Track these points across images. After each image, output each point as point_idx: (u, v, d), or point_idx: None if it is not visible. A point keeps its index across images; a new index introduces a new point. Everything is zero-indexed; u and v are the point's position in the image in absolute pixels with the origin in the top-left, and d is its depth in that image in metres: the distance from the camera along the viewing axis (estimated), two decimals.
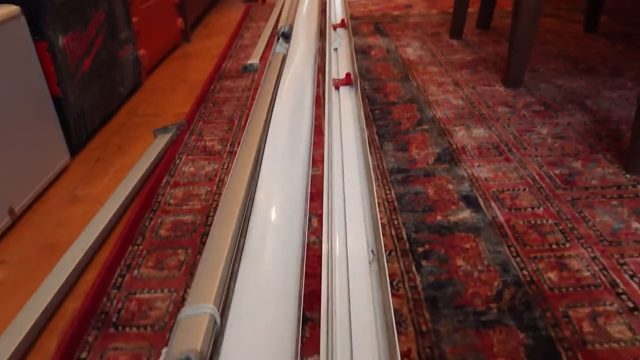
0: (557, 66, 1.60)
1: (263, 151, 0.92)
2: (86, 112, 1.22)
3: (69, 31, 1.14)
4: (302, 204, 0.83)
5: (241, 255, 0.67)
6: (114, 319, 0.72)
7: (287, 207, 0.80)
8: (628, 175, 1.00)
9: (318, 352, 0.64)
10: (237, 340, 0.55)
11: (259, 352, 0.55)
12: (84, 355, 0.67)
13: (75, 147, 1.18)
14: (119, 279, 0.79)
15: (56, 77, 1.10)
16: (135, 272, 0.81)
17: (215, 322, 0.56)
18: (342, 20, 2.03)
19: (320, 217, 0.91)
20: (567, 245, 0.82)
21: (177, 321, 0.56)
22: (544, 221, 0.88)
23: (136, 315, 0.73)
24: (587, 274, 0.76)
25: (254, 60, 1.74)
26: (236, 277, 0.63)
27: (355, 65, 1.49)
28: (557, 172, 1.02)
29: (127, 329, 0.70)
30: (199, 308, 0.56)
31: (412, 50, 1.84)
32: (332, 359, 0.62)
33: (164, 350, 0.55)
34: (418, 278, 0.77)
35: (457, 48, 1.84)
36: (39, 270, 0.83)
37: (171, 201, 0.99)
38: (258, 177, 0.85)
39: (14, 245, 0.90)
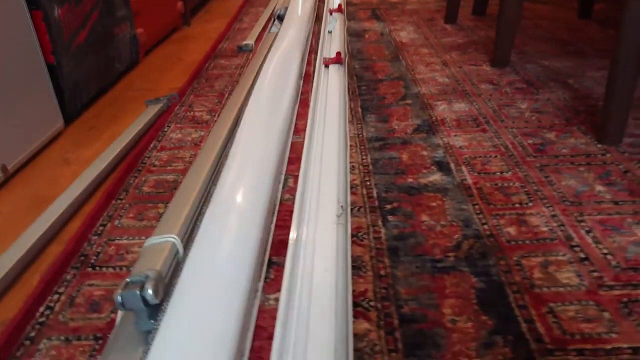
0: (546, 48, 1.63)
1: (243, 113, 0.97)
2: (81, 82, 1.27)
3: (65, 3, 1.19)
4: (275, 161, 0.86)
5: (210, 199, 0.72)
6: (92, 261, 0.77)
7: (260, 162, 0.84)
8: (599, 145, 1.03)
9: (280, 290, 0.68)
10: (196, 269, 0.59)
11: (215, 280, 0.59)
12: (61, 290, 0.71)
13: (70, 115, 1.23)
14: (101, 228, 0.84)
15: (51, 46, 1.15)
16: (117, 222, 0.85)
17: (177, 250, 0.61)
18: (339, 5, 2.06)
19: (296, 178, 0.94)
20: (530, 204, 0.86)
21: (142, 249, 0.60)
22: (511, 184, 0.92)
23: (113, 257, 0.77)
24: (545, 229, 0.80)
25: (250, 41, 1.78)
26: (202, 217, 0.68)
27: (346, 45, 1.53)
28: (530, 141, 1.06)
29: (104, 269, 0.75)
30: (163, 237, 0.61)
31: (405, 34, 1.87)
32: (292, 295, 0.66)
33: None
34: (383, 231, 0.81)
35: (450, 32, 1.87)
36: (28, 220, 0.87)
37: (156, 162, 1.03)
38: (235, 134, 0.89)
39: (6, 199, 0.95)
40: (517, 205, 0.86)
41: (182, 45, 1.89)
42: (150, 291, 0.52)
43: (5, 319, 0.67)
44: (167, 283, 0.56)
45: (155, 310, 0.54)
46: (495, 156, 1.01)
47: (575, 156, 0.99)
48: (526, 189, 0.90)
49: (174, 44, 1.91)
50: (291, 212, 0.84)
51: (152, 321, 0.53)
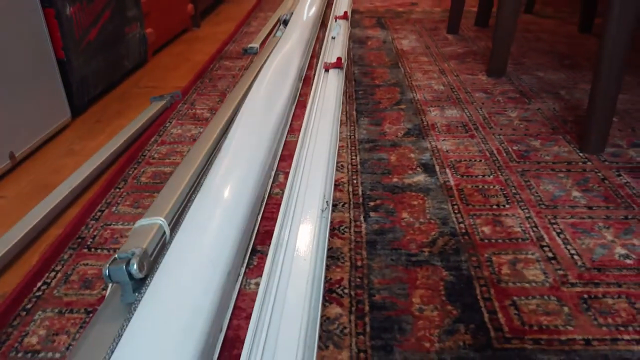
0: (543, 61, 1.66)
1: (239, 111, 1.01)
2: (89, 78, 1.33)
3: (76, 2, 1.25)
4: (265, 157, 0.91)
5: (200, 188, 0.76)
6: (88, 243, 0.82)
7: (250, 157, 0.88)
8: (581, 154, 1.07)
9: (261, 275, 0.72)
10: (180, 249, 0.64)
11: (197, 260, 0.63)
12: (58, 268, 0.76)
13: (77, 108, 1.29)
14: (99, 213, 0.89)
15: (62, 42, 1.21)
16: (114, 208, 0.90)
17: (164, 232, 0.65)
18: (345, 13, 2.12)
19: (287, 174, 0.99)
20: (507, 206, 0.90)
21: (132, 229, 0.65)
22: (491, 186, 0.95)
23: (108, 240, 0.82)
24: (518, 229, 0.83)
25: (255, 44, 1.84)
26: (191, 204, 0.72)
27: (346, 51, 1.58)
28: (515, 148, 1.10)
29: (99, 251, 0.80)
30: (151, 219, 0.65)
31: (407, 42, 1.91)
32: (272, 280, 0.70)
33: None
34: (364, 225, 0.85)
35: (451, 42, 1.91)
36: (31, 204, 0.93)
37: (155, 155, 1.08)
38: (229, 130, 0.94)
39: (12, 184, 1.01)
40: (494, 206, 0.90)
41: (190, 46, 1.95)
42: (135, 266, 0.57)
43: (5, 292, 0.72)
44: (152, 260, 0.61)
45: (139, 285, 0.58)
46: (480, 160, 1.05)
47: (556, 163, 1.03)
48: (505, 192, 0.94)
49: (183, 45, 1.97)
50: (279, 205, 0.88)
51: (136, 294, 0.58)
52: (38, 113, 1.13)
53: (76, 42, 1.26)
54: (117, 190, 0.96)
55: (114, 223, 0.86)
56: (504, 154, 1.07)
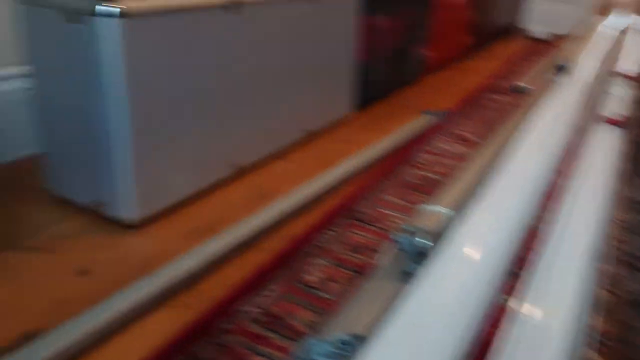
0: None
1: (510, 142, 1.04)
2: (375, 83, 1.49)
3: (389, 16, 1.41)
4: (532, 191, 0.91)
5: (476, 197, 0.81)
6: (357, 216, 0.92)
7: (518, 190, 0.90)
8: None
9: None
10: (458, 243, 0.69)
11: (471, 263, 0.67)
12: (334, 229, 0.88)
13: (358, 106, 1.45)
14: (370, 196, 1.00)
15: (366, 46, 1.37)
16: (384, 196, 1.00)
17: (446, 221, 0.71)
18: (637, 74, 1.96)
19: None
20: None
21: (418, 210, 0.72)
22: None
23: (376, 220, 0.92)
24: None
25: (524, 84, 1.83)
26: (466, 211, 0.77)
27: (631, 111, 1.47)
28: None
29: (367, 225, 0.90)
30: (435, 207, 0.72)
31: None
32: (530, 306, 0.70)
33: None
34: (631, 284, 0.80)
35: None
36: (312, 172, 1.08)
37: (422, 162, 1.17)
38: (499, 158, 0.97)
39: (300, 155, 1.19)
40: None
41: (461, 74, 2.03)
42: (421, 240, 0.63)
43: (294, 234, 0.86)
44: (432, 242, 0.67)
45: (419, 258, 0.65)
46: None
47: None
48: None
49: (453, 71, 2.06)
50: (541, 239, 0.87)
51: (414, 265, 0.64)
52: (330, 102, 1.31)
53: (375, 50, 1.42)
54: (387, 182, 1.06)
55: (382, 207, 0.96)
56: None
